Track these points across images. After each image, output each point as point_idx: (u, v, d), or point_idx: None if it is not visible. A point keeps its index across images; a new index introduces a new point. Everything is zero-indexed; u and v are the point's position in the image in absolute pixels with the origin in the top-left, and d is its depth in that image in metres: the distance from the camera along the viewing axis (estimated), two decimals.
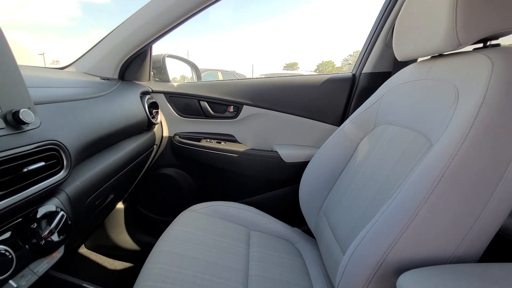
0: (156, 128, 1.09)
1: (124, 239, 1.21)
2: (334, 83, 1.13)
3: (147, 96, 1.05)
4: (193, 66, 1.38)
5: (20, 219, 0.42)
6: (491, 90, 0.47)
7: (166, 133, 1.17)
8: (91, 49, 1.03)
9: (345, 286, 0.51)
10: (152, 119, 1.02)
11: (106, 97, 0.81)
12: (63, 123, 0.54)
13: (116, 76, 1.05)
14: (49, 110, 0.54)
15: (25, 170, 0.40)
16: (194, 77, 1.38)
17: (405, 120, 0.67)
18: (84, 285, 0.71)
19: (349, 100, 1.13)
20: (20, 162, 0.41)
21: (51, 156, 0.47)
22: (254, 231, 0.90)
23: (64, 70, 1.03)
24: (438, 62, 0.66)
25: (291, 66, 58.02)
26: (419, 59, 0.76)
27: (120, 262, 1.21)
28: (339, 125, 1.11)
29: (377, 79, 1.06)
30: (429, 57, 0.72)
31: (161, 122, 1.15)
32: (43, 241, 0.43)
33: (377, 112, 0.80)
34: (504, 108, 0.46)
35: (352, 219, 0.68)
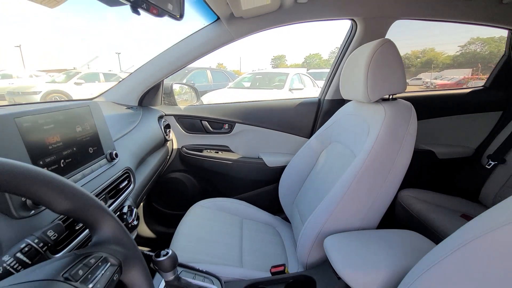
0: (168, 143, 1.41)
1: (143, 229, 1.54)
2: (304, 105, 1.49)
3: (162, 120, 1.36)
4: (193, 89, 1.70)
5: (118, 213, 0.75)
6: (383, 129, 0.83)
7: (175, 146, 1.50)
8: (118, 83, 1.34)
9: (301, 248, 0.86)
10: (166, 137, 1.34)
11: (138, 125, 1.13)
12: (127, 154, 0.86)
13: (136, 104, 1.36)
14: (118, 146, 0.86)
15: (121, 186, 0.73)
16: (195, 97, 1.70)
17: (345, 140, 1.03)
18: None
19: (316, 118, 1.49)
20: (117, 182, 0.73)
21: (127, 176, 0.80)
22: (246, 219, 1.21)
23: (96, 100, 1.33)
24: (363, 105, 1.02)
25: (279, 58, 58.04)
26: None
27: (140, 247, 1.54)
28: (309, 138, 1.46)
29: (336, 104, 1.42)
30: None
31: (171, 137, 1.47)
32: (130, 225, 0.75)
33: (332, 132, 1.15)
34: (388, 140, 0.81)
35: (312, 208, 0.91)
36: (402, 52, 0.92)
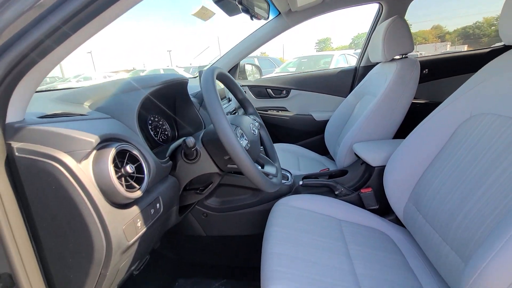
0: None
1: None
2: (344, 72, 1.94)
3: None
4: (257, 67, 2.27)
5: None
6: (393, 76, 1.27)
7: None
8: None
9: (340, 153, 1.32)
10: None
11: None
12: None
13: None
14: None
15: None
16: (258, 74, 2.27)
17: (373, 91, 1.46)
18: None
19: (353, 81, 1.93)
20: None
21: None
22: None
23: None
24: (384, 64, 1.44)
25: (324, 42, 55.85)
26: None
27: None
28: (345, 96, 1.89)
29: (368, 69, 1.83)
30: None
31: None
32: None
33: (364, 88, 1.57)
34: (397, 82, 1.25)
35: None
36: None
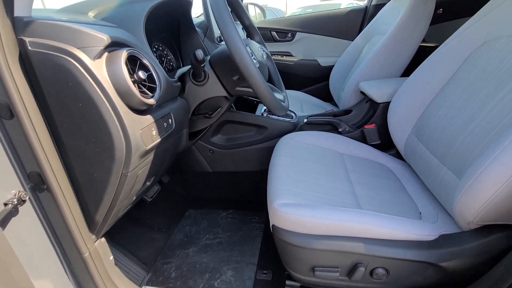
0: None
1: None
2: (354, 12, 1.83)
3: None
4: (261, 8, 2.13)
5: None
6: (406, 11, 1.20)
7: None
8: None
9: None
10: None
11: None
12: None
13: None
14: None
15: None
16: (261, 16, 2.15)
17: (384, 30, 1.39)
18: None
19: (362, 22, 1.83)
20: None
21: None
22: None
23: None
24: (395, 1, 1.35)
25: None
26: None
27: None
28: (352, 40, 1.82)
29: (379, 8, 1.73)
30: None
31: None
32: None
33: (373, 28, 1.50)
34: (409, 18, 1.19)
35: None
36: None
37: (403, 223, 0.70)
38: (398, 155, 1.07)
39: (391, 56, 1.29)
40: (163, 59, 0.91)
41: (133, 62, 0.56)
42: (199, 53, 0.69)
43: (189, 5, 0.88)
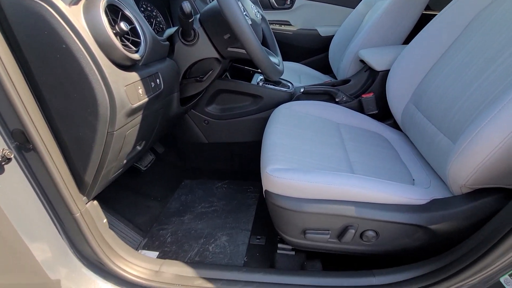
0: None
1: None
2: None
3: None
4: None
5: None
6: None
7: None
8: None
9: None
10: None
11: None
12: None
13: None
14: None
15: None
16: None
17: None
18: None
19: None
20: None
21: None
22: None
23: None
24: None
25: None
26: None
27: None
28: (354, 7, 1.73)
29: None
30: None
31: None
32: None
33: None
34: None
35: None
36: None
37: (395, 187, 0.70)
38: (395, 125, 1.06)
39: (393, 23, 1.23)
40: (151, 20, 0.86)
41: (115, 13, 0.52)
42: (186, 6, 0.64)
43: None
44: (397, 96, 0.98)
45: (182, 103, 0.85)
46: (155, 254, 0.92)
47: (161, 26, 0.90)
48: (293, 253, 0.84)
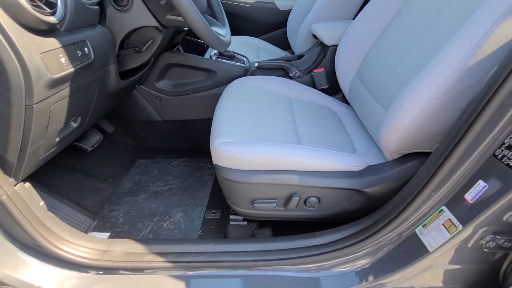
0: None
1: None
2: None
3: None
4: None
5: None
6: None
7: None
8: None
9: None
10: None
11: None
12: None
13: None
14: None
15: None
16: None
17: None
18: None
19: None
20: None
21: None
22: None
23: None
24: None
25: None
26: None
27: None
28: None
29: None
30: None
31: None
32: None
33: None
34: None
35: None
36: None
37: (336, 156, 0.74)
38: (344, 99, 1.11)
39: None
40: None
41: None
42: None
43: None
44: (345, 70, 1.02)
45: (123, 77, 0.80)
46: (106, 235, 0.90)
47: None
48: (245, 223, 0.88)
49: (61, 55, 0.51)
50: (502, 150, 0.47)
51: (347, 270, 0.61)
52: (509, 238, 0.51)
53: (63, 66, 0.52)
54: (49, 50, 0.49)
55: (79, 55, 0.55)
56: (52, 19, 0.48)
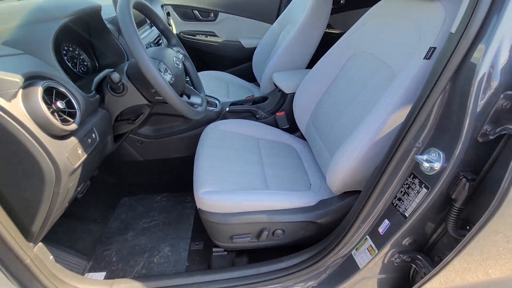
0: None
1: None
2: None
3: (164, 8, 1.80)
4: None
5: None
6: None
7: (174, 31, 1.98)
8: None
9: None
10: (169, 22, 1.81)
11: None
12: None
13: None
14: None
15: None
16: None
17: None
18: None
19: (279, 8, 1.97)
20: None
21: None
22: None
23: None
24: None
25: None
26: None
27: None
28: (272, 23, 1.95)
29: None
30: None
31: (172, 23, 1.94)
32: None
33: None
34: (312, 17, 1.38)
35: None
36: None
37: (295, 196, 0.96)
38: (302, 136, 1.34)
39: (299, 48, 1.49)
40: (75, 60, 0.90)
41: (49, 92, 0.59)
42: (115, 76, 0.73)
43: (98, 12, 0.87)
44: (301, 115, 1.24)
45: (115, 140, 0.93)
46: (102, 274, 1.01)
47: (85, 63, 0.94)
48: (225, 253, 1.06)
49: (78, 148, 0.65)
50: (396, 200, 0.71)
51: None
52: (408, 255, 0.75)
53: (80, 155, 0.65)
54: (71, 148, 0.62)
55: (89, 142, 0.69)
56: (73, 126, 0.62)
